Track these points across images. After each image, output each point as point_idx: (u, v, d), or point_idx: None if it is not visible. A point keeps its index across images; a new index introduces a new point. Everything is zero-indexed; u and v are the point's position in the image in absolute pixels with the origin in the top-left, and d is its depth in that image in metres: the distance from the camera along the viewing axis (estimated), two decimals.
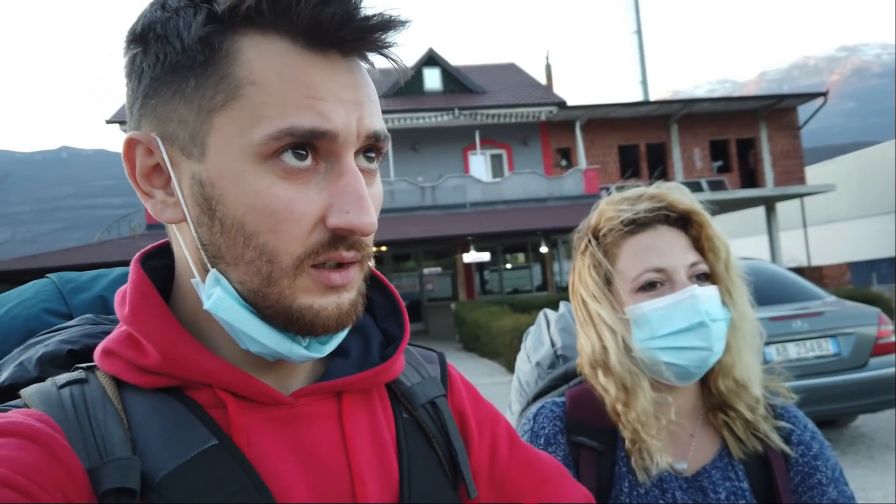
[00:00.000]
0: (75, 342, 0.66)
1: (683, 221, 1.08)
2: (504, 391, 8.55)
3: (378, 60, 0.58)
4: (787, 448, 1.05)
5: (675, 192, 1.09)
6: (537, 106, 20.90)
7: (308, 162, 0.53)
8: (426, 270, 21.30)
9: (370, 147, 0.58)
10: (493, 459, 0.72)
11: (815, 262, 24.67)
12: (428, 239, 17.34)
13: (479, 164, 21.86)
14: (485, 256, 18.91)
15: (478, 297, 20.33)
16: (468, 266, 20.39)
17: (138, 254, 0.64)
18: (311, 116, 0.52)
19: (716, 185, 21.86)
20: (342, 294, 0.57)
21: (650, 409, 1.05)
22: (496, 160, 22.29)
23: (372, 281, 0.71)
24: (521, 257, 21.85)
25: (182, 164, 0.55)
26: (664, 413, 1.06)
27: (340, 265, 0.56)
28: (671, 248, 1.06)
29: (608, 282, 1.11)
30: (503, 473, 0.72)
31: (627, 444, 1.06)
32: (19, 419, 0.51)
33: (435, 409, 0.70)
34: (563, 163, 22.24)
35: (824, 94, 22.38)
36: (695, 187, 21.25)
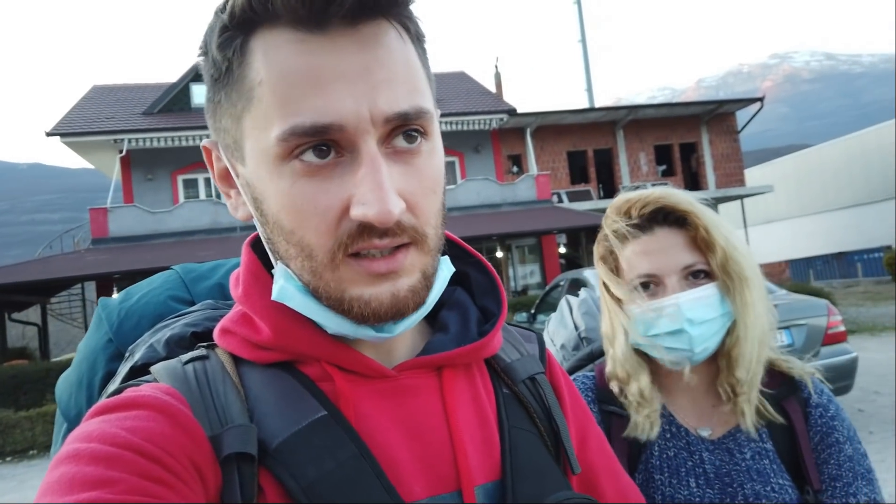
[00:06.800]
0: (197, 325, 0.70)
1: (682, 221, 1.12)
2: None
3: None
4: (781, 419, 1.13)
5: (672, 196, 1.13)
6: (488, 114, 21.08)
7: (330, 156, 0.53)
8: None
9: (408, 127, 0.55)
10: (581, 449, 0.73)
11: (756, 260, 25.52)
12: None
13: None
14: None
15: None
16: None
17: (248, 238, 0.67)
18: (310, 112, 0.51)
19: None
20: (397, 281, 0.56)
21: (645, 392, 1.13)
22: (449, 167, 22.32)
23: (470, 259, 0.74)
24: None
25: (238, 167, 0.59)
26: (655, 393, 1.15)
27: (394, 249, 0.55)
28: (665, 251, 1.11)
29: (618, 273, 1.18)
30: (588, 468, 0.72)
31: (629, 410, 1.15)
32: (149, 392, 0.55)
33: (535, 385, 0.70)
34: (515, 169, 22.48)
35: (760, 100, 23.25)
36: None
